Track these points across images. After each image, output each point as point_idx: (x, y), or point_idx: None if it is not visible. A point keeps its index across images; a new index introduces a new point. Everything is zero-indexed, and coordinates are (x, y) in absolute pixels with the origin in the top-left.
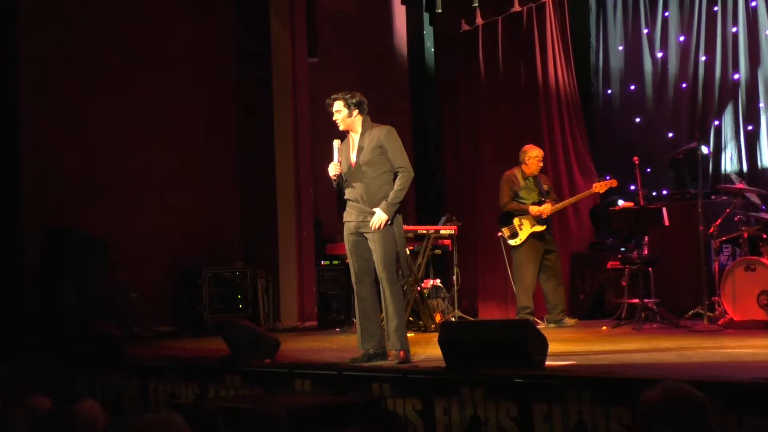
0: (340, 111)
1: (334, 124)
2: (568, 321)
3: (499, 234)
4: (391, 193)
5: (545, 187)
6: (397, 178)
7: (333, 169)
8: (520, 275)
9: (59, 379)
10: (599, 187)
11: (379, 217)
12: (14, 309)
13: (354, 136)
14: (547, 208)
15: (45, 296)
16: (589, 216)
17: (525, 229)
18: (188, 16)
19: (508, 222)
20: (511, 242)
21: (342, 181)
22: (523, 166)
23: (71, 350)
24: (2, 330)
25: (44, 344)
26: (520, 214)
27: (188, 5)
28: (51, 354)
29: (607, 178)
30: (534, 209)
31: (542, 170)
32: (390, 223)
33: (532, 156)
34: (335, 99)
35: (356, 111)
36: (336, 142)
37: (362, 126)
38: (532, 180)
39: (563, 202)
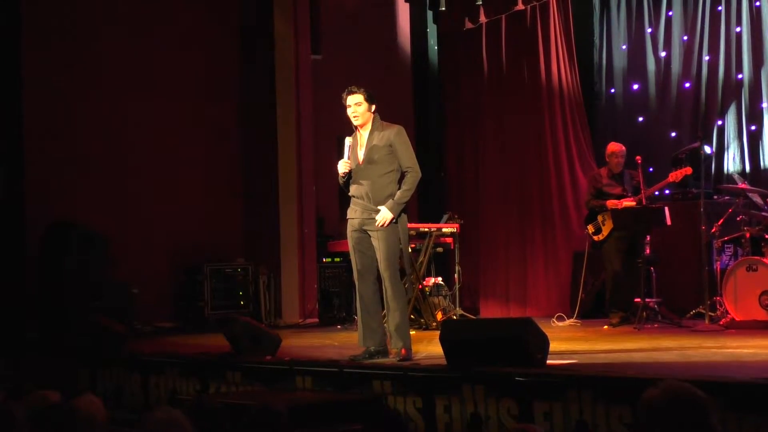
0: (360, 104)
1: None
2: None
3: (585, 231)
4: (399, 192)
5: (635, 182)
6: (405, 178)
7: (343, 167)
8: (606, 271)
9: (60, 374)
10: (675, 176)
11: (384, 215)
12: (15, 304)
13: (363, 132)
14: (620, 202)
15: (46, 291)
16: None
17: (607, 224)
18: (190, 13)
19: (592, 219)
20: (596, 238)
21: (348, 178)
22: (608, 164)
23: (72, 345)
24: (3, 325)
25: (45, 339)
26: (600, 210)
27: (192, 3)
28: (52, 349)
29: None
30: (610, 203)
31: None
32: (395, 221)
33: (608, 153)
34: (353, 91)
35: (374, 106)
36: (348, 139)
37: (372, 123)
38: (617, 176)
39: (640, 195)
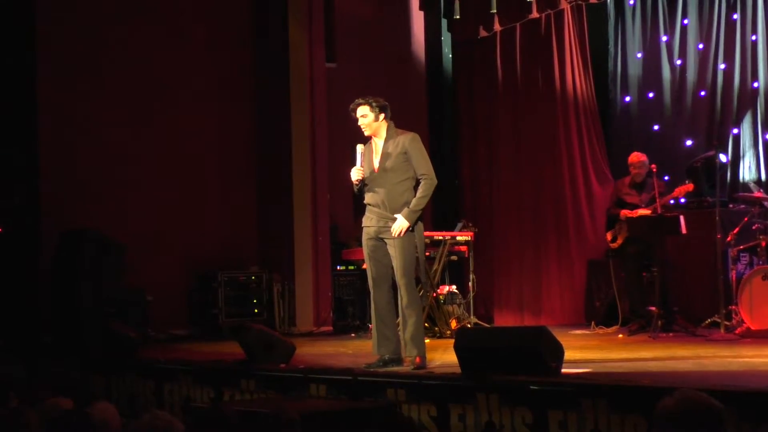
0: (366, 116)
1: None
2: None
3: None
4: (414, 200)
5: (654, 191)
6: (421, 185)
7: (356, 174)
8: (619, 281)
9: (75, 381)
10: (679, 191)
11: (401, 223)
12: (30, 310)
13: (377, 141)
14: (634, 212)
15: (60, 298)
16: (605, 223)
17: (622, 233)
18: (206, 21)
19: (611, 227)
20: (612, 246)
21: (362, 186)
22: (630, 173)
23: (87, 352)
24: (18, 331)
25: (59, 345)
26: (617, 219)
27: (206, 10)
28: (66, 355)
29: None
30: (623, 213)
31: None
32: (411, 229)
33: (628, 163)
34: (360, 104)
35: (382, 115)
36: (360, 147)
37: (387, 132)
38: (638, 186)
39: (650, 207)
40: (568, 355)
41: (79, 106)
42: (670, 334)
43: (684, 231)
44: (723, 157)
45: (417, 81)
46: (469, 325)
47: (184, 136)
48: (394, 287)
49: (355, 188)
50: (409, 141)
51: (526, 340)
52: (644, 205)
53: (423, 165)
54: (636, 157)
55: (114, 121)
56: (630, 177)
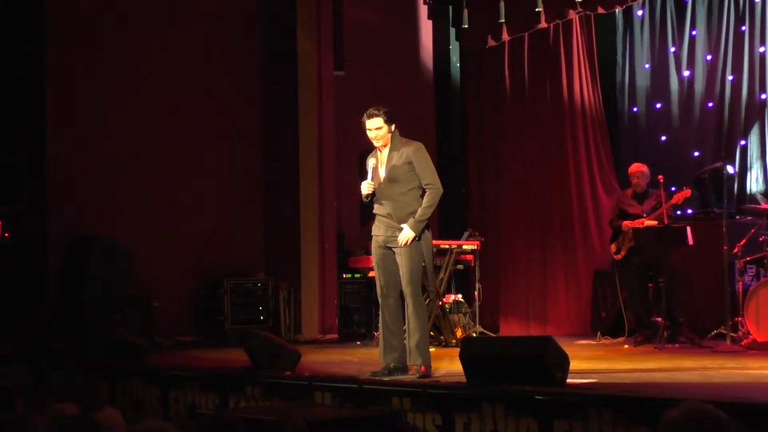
0: (380, 128)
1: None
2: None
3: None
4: (419, 210)
5: (653, 202)
6: (426, 194)
7: (366, 188)
8: (625, 292)
9: (80, 387)
10: (678, 198)
11: (406, 234)
12: (36, 316)
13: (383, 151)
14: (638, 222)
15: (67, 303)
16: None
17: (626, 244)
18: (214, 28)
19: (615, 239)
20: (616, 257)
21: (372, 198)
22: (632, 184)
23: (92, 358)
24: (24, 336)
25: (65, 351)
26: (616, 230)
27: (215, 18)
28: (72, 361)
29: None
30: (625, 225)
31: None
32: (418, 239)
33: (629, 174)
34: (374, 114)
35: (393, 126)
36: (371, 161)
37: (392, 141)
38: (639, 196)
39: (650, 217)
40: (574, 365)
41: (86, 112)
42: (676, 345)
43: (691, 242)
44: (730, 169)
45: (425, 90)
46: (474, 335)
47: (191, 143)
48: (402, 296)
49: (365, 200)
50: (413, 151)
51: (532, 349)
52: (646, 214)
53: (428, 174)
54: (636, 167)
55: (121, 128)
56: (631, 188)
